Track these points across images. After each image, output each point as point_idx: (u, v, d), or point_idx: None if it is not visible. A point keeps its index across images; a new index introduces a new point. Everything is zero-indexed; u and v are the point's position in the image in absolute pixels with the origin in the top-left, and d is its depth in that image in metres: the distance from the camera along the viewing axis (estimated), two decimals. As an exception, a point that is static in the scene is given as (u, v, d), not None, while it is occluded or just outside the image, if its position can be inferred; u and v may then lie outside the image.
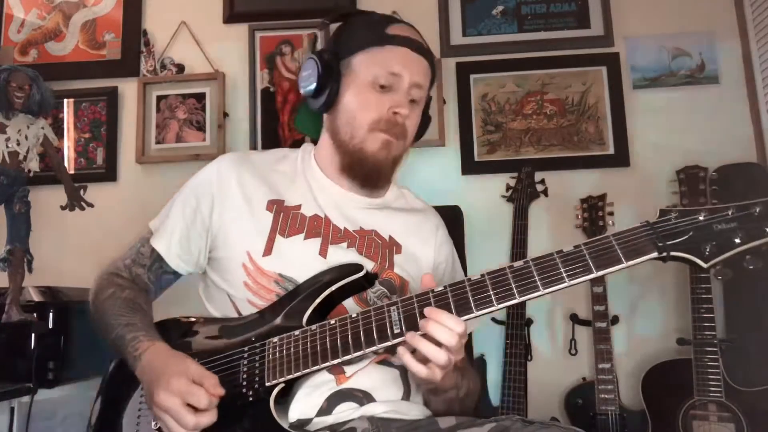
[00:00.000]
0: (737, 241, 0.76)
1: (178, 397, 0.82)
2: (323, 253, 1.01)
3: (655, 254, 0.77)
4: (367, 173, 1.05)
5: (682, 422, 1.66)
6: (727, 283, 1.87)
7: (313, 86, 1.04)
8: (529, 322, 1.93)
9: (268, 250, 0.99)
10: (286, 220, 1.03)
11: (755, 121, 2.04)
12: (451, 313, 0.80)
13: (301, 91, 1.07)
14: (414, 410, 0.98)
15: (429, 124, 1.15)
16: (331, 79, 1.03)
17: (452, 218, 1.54)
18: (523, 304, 1.87)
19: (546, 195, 1.96)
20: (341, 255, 1.01)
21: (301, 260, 0.99)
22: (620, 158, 2.07)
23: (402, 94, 1.02)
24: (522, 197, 1.95)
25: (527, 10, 2.19)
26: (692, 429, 1.66)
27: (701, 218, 0.78)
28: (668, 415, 1.68)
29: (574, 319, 1.97)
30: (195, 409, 0.82)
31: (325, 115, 1.10)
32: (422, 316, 0.81)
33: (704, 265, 0.77)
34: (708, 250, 0.76)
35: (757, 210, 0.76)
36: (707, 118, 2.06)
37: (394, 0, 2.17)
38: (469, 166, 2.12)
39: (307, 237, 1.02)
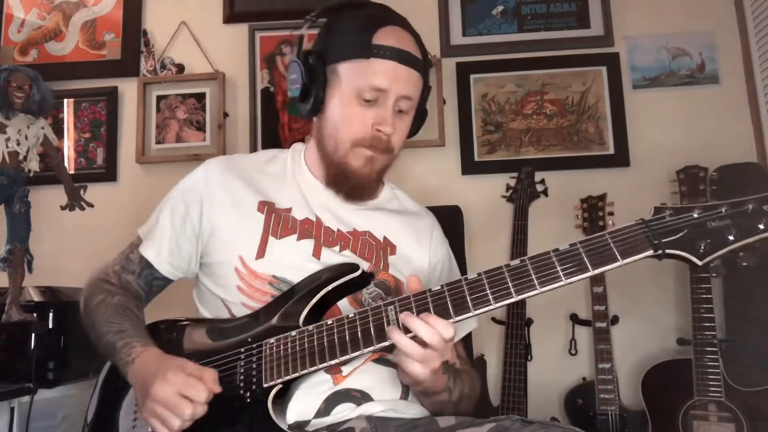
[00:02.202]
0: (731, 238, 0.76)
1: (174, 387, 0.82)
2: (317, 254, 1.00)
3: (650, 252, 0.78)
4: (351, 187, 1.04)
5: (682, 422, 1.66)
6: (727, 283, 1.87)
7: (298, 92, 1.03)
8: (529, 322, 1.93)
9: (260, 253, 0.99)
10: (278, 221, 1.02)
11: (755, 121, 2.04)
12: (449, 312, 0.81)
13: (289, 94, 1.06)
14: (412, 409, 0.98)
15: (425, 118, 1.12)
16: (316, 85, 1.01)
17: (452, 218, 1.54)
18: (523, 304, 1.87)
19: (546, 195, 1.96)
20: (335, 257, 1.00)
21: (294, 261, 0.98)
22: (620, 158, 2.07)
23: (387, 109, 0.99)
24: (522, 197, 1.94)
25: (527, 10, 2.19)
26: (692, 429, 1.65)
27: (695, 215, 0.78)
28: (668, 415, 1.68)
29: (574, 319, 1.97)
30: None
31: (314, 119, 1.09)
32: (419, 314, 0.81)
33: (699, 263, 0.77)
34: (702, 247, 0.77)
35: (750, 207, 0.76)
36: (707, 118, 2.07)
37: (395, 0, 2.16)
38: (469, 166, 2.12)
39: (300, 238, 1.01)
